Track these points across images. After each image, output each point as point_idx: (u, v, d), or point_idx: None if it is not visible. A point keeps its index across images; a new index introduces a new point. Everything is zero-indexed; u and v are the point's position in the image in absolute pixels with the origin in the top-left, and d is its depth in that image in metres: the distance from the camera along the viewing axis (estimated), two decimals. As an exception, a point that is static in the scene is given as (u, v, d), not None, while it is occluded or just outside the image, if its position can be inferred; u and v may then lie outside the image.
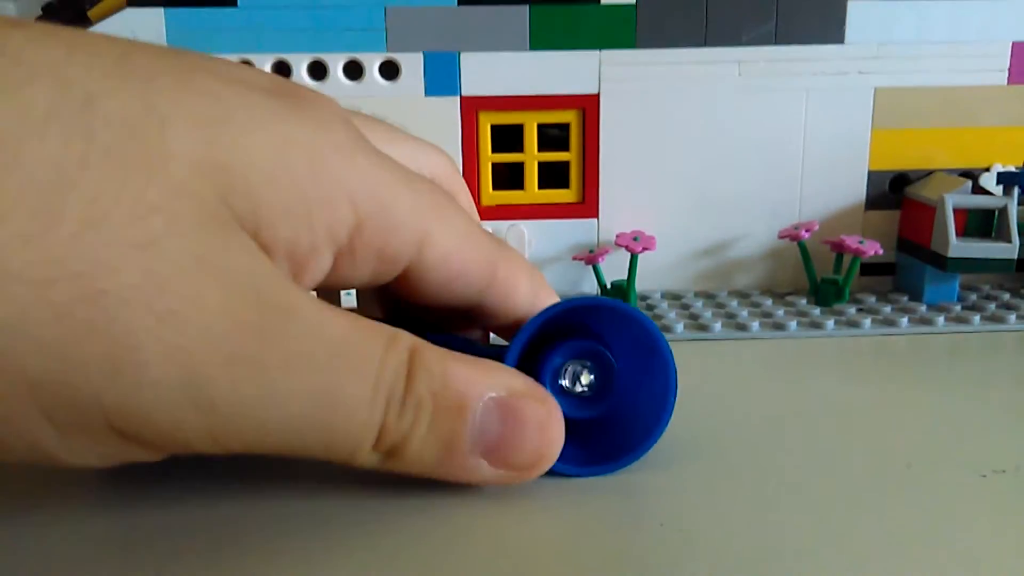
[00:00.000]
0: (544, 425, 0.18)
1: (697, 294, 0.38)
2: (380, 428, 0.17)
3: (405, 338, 0.17)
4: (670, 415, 0.20)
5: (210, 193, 0.15)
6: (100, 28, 0.34)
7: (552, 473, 0.19)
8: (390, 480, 0.19)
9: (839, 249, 0.37)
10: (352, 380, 0.16)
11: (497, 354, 0.19)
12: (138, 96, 0.14)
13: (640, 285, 0.38)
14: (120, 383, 0.14)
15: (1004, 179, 0.35)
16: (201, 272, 0.14)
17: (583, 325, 0.21)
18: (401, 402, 0.17)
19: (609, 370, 0.20)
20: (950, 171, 0.38)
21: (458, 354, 0.18)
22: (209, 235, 0.15)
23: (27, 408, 0.14)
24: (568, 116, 0.37)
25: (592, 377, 0.20)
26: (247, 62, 0.35)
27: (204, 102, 0.15)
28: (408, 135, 0.22)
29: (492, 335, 0.24)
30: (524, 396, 0.18)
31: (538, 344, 0.20)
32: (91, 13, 0.35)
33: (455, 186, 0.24)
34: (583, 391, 0.20)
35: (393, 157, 0.19)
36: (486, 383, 0.18)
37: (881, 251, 0.36)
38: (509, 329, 0.22)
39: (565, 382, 0.20)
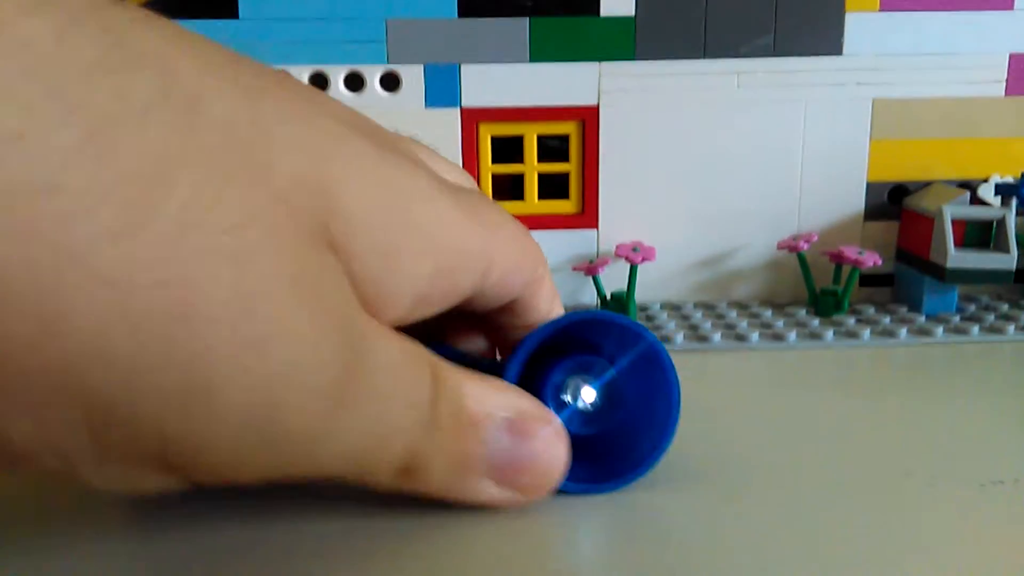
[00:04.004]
0: (550, 446, 0.18)
1: (696, 305, 0.38)
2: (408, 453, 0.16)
3: (426, 355, 0.17)
4: (673, 433, 0.20)
5: (309, 209, 0.14)
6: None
7: (555, 491, 0.19)
8: (388, 500, 0.19)
9: (838, 260, 0.37)
10: (402, 411, 0.16)
11: (491, 368, 0.19)
12: (246, 105, 0.14)
13: (640, 296, 0.38)
14: (189, 413, 0.13)
15: (1002, 190, 0.35)
16: (294, 296, 0.13)
17: (583, 338, 0.21)
18: (428, 427, 0.16)
19: (612, 386, 0.20)
20: (948, 182, 0.38)
21: (469, 372, 0.18)
22: (306, 253, 0.14)
23: (75, 428, 0.12)
24: (568, 127, 0.38)
25: (595, 393, 0.20)
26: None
27: (310, 131, 0.15)
28: (442, 159, 0.21)
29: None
30: (532, 417, 0.18)
31: (536, 358, 0.20)
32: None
33: None
34: (586, 408, 0.20)
35: None
36: (497, 403, 0.18)
37: (880, 262, 0.36)
38: (513, 337, 0.22)
39: (567, 398, 0.20)
